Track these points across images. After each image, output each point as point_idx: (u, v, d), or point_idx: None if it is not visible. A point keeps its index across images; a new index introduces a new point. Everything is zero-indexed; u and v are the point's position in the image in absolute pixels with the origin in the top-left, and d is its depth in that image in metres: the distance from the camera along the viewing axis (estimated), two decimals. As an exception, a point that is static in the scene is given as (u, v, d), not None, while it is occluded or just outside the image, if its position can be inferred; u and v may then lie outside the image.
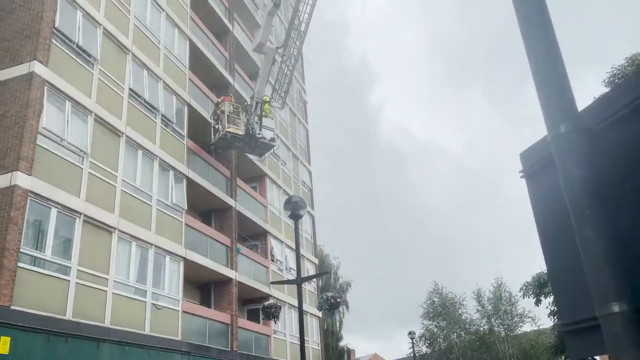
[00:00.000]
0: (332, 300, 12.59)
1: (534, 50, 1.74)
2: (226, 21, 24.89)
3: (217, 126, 20.09)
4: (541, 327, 38.05)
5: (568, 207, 1.57)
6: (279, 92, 20.10)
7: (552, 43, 1.73)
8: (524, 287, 24.52)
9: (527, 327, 39.11)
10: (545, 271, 20.08)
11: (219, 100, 20.76)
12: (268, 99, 20.40)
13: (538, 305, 23.89)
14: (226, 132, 19.49)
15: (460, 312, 40.51)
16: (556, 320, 23.64)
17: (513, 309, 39.16)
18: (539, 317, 38.06)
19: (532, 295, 23.81)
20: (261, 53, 20.11)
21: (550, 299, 23.19)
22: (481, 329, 39.37)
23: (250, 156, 22.81)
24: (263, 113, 19.97)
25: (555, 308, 23.59)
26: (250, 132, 19.63)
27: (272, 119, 20.90)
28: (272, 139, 20.59)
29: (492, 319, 39.09)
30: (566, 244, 1.69)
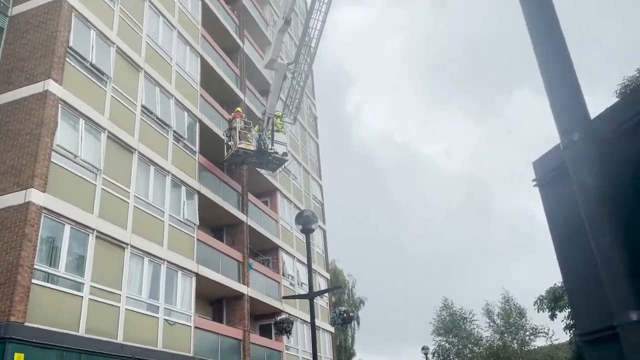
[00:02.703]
0: (345, 315, 12.50)
1: (546, 59, 1.74)
2: (237, 38, 25.19)
3: (229, 143, 20.23)
4: (555, 342, 37.42)
5: (583, 215, 1.55)
6: (290, 107, 20.24)
7: (564, 53, 1.73)
8: (538, 301, 24.23)
9: (540, 342, 38.48)
10: (560, 284, 19.86)
11: (230, 117, 20.95)
12: (280, 114, 20.55)
13: (553, 320, 23.57)
14: (238, 148, 19.62)
15: (471, 327, 39.98)
16: (572, 334, 23.28)
17: (525, 322, 38.58)
18: (553, 331, 37.45)
19: (547, 309, 23.50)
20: (272, 69, 20.33)
21: (566, 312, 22.88)
22: (495, 344, 38.78)
23: (263, 171, 22.89)
24: (275, 128, 20.11)
25: (572, 322, 23.24)
26: (263, 147, 19.76)
27: (284, 134, 21.04)
28: (285, 154, 20.69)
29: (505, 335, 38.51)
30: (582, 253, 1.68)
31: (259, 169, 22.36)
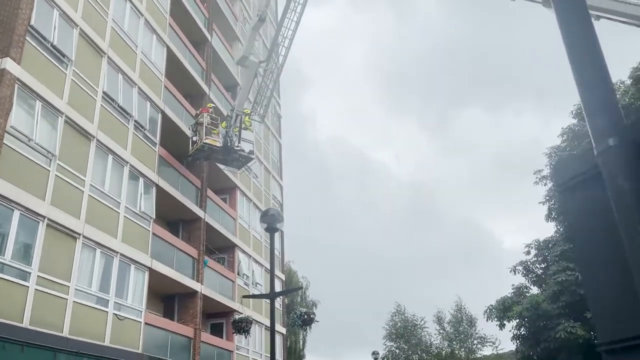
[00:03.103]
0: (306, 317, 12.42)
1: (580, 65, 1.74)
2: (205, 31, 24.76)
3: (194, 138, 19.91)
4: (500, 351, 38.49)
5: (617, 221, 1.55)
6: (259, 106, 20.11)
7: (598, 57, 1.73)
8: (487, 311, 24.86)
9: (487, 351, 39.49)
10: (510, 295, 20.44)
11: (198, 111, 20.61)
12: (248, 112, 20.39)
13: (502, 329, 24.23)
14: (204, 143, 19.35)
15: (422, 334, 40.62)
16: (518, 344, 24.02)
17: (473, 331, 39.53)
18: (500, 340, 38.50)
19: (496, 319, 24.15)
20: (244, 66, 20.24)
21: (514, 323, 23.61)
22: (443, 351, 39.52)
23: (226, 168, 22.58)
24: (243, 126, 19.93)
25: (518, 332, 23.96)
26: (229, 144, 19.56)
27: (252, 132, 20.90)
28: (251, 152, 20.59)
29: (454, 342, 39.33)
30: (607, 260, 1.67)
31: (221, 166, 22.03)
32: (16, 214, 11.86)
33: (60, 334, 12.53)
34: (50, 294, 12.51)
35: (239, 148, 19.94)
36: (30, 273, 11.98)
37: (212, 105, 22.23)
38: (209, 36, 25.05)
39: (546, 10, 11.24)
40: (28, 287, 11.87)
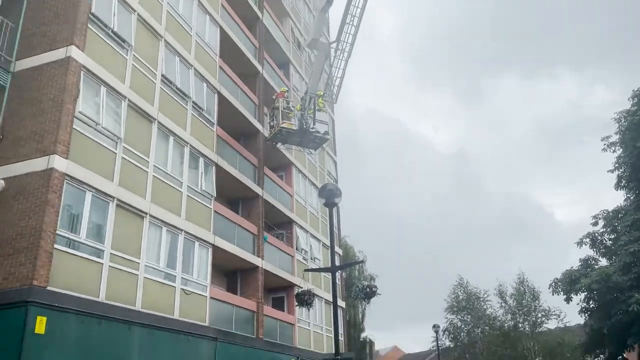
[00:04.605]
0: (368, 290, 12.52)
1: None
2: (256, 9, 24.82)
3: (272, 122, 20.72)
4: (567, 324, 37.43)
5: None
6: (332, 86, 20.29)
7: None
8: (553, 284, 24.12)
9: (552, 324, 38.51)
10: (577, 267, 19.68)
11: (274, 96, 21.28)
12: (322, 94, 20.62)
13: (569, 303, 23.48)
14: (281, 127, 20.01)
15: (484, 307, 40.05)
16: (587, 318, 23.22)
17: (537, 304, 38.58)
18: (565, 313, 37.42)
19: (562, 292, 23.40)
20: (314, 49, 20.53)
21: (582, 296, 22.82)
22: (506, 324, 38.87)
23: (303, 150, 23.00)
24: (317, 107, 20.21)
25: (587, 305, 23.15)
26: (304, 126, 19.97)
27: (326, 112, 21.20)
28: (326, 133, 21.04)
29: (517, 316, 38.57)
30: None
31: (302, 147, 22.34)
32: (88, 195, 12.50)
33: (133, 308, 13.22)
34: (123, 270, 13.17)
35: (314, 130, 20.33)
36: (103, 251, 12.65)
37: (286, 89, 22.81)
38: (259, 14, 25.09)
39: None
40: (102, 264, 12.54)
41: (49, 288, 10.88)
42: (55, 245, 11.27)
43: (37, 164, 11.71)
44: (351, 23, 18.56)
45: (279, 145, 22.36)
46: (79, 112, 12.57)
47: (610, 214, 24.60)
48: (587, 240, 25.02)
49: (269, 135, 21.28)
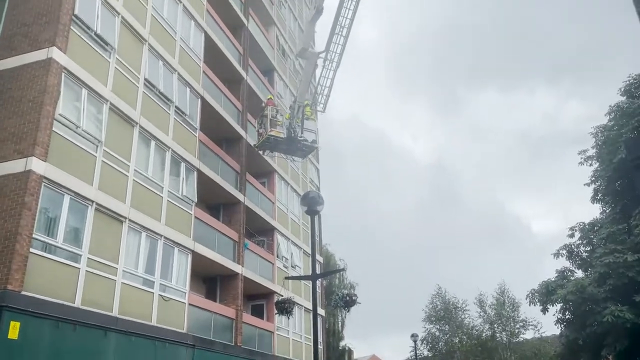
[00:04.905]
0: (348, 298, 12.53)
1: None
2: (241, 16, 24.85)
3: (260, 130, 20.85)
4: (543, 334, 37.86)
5: None
6: (321, 95, 20.41)
7: None
8: (530, 294, 24.41)
9: (529, 335, 38.95)
10: (554, 279, 19.98)
11: (262, 104, 21.49)
12: (309, 103, 20.72)
13: (545, 314, 23.78)
14: (269, 135, 20.16)
15: (463, 316, 40.36)
16: (563, 328, 23.54)
17: (515, 314, 39.00)
18: (541, 324, 37.88)
19: (539, 303, 23.69)
20: (304, 58, 20.70)
21: (557, 307, 23.14)
22: (483, 334, 39.20)
23: (289, 158, 23.06)
24: (305, 116, 20.31)
25: (562, 316, 23.47)
26: (293, 135, 20.06)
27: (314, 121, 21.29)
28: (314, 141, 21.17)
29: (495, 325, 38.92)
30: None
31: (284, 155, 22.44)
32: (66, 199, 12.31)
33: (110, 314, 13.03)
34: (100, 275, 12.98)
35: (302, 138, 20.46)
36: (80, 255, 12.46)
37: (271, 96, 22.87)
38: (245, 21, 25.12)
39: None
40: (79, 268, 12.35)
41: (23, 292, 10.67)
42: (31, 249, 11.07)
43: (14, 166, 11.52)
44: (340, 33, 18.73)
45: (266, 153, 22.37)
46: (59, 114, 12.42)
47: (587, 226, 25.04)
48: (564, 251, 25.43)
49: (257, 143, 21.34)
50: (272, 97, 22.44)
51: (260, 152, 22.29)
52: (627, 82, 24.02)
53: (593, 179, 25.46)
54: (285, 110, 23.05)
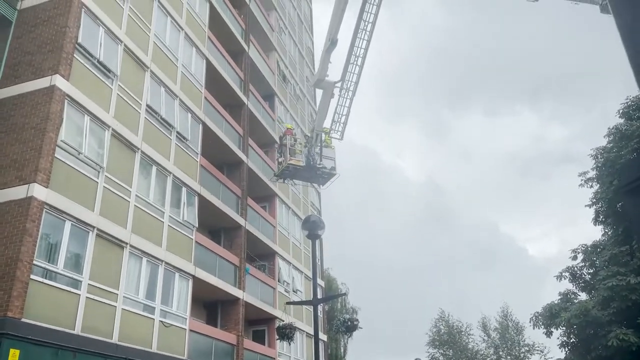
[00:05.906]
0: (349, 323, 12.42)
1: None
2: (242, 42, 25.21)
3: (280, 159, 21.28)
4: (549, 359, 37.32)
5: None
6: (338, 123, 20.76)
7: None
8: (534, 318, 24.14)
9: (535, 359, 38.38)
10: (557, 302, 19.74)
11: (281, 134, 22.04)
12: (328, 130, 21.03)
13: (549, 337, 23.47)
14: (288, 164, 20.49)
15: (467, 340, 39.85)
16: (568, 352, 23.22)
17: (520, 338, 38.50)
18: (548, 348, 37.38)
19: (543, 326, 23.42)
20: (320, 88, 21.07)
21: (561, 330, 22.85)
22: (488, 358, 38.64)
23: (310, 185, 23.61)
24: (323, 144, 20.61)
25: (567, 339, 23.19)
26: (312, 163, 20.38)
27: (333, 148, 21.53)
28: (333, 168, 21.30)
29: (500, 350, 38.40)
30: None
31: (297, 181, 22.88)
32: (67, 225, 12.33)
33: (110, 340, 12.91)
34: (100, 301, 12.92)
35: (321, 165, 20.70)
36: (81, 282, 12.41)
37: (292, 126, 23.74)
38: (246, 47, 25.48)
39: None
40: (79, 295, 12.29)
41: (23, 320, 10.60)
42: (32, 276, 11.05)
43: (16, 192, 11.57)
44: (355, 63, 19.19)
45: (286, 181, 22.63)
46: (62, 140, 12.52)
47: (589, 248, 24.90)
48: (567, 274, 25.22)
49: (277, 171, 21.72)
50: (291, 127, 22.92)
51: (281, 181, 22.67)
52: (625, 104, 24.18)
53: (594, 200, 25.41)
54: (296, 137, 23.45)
